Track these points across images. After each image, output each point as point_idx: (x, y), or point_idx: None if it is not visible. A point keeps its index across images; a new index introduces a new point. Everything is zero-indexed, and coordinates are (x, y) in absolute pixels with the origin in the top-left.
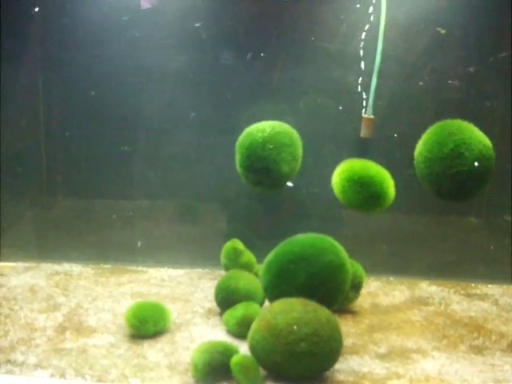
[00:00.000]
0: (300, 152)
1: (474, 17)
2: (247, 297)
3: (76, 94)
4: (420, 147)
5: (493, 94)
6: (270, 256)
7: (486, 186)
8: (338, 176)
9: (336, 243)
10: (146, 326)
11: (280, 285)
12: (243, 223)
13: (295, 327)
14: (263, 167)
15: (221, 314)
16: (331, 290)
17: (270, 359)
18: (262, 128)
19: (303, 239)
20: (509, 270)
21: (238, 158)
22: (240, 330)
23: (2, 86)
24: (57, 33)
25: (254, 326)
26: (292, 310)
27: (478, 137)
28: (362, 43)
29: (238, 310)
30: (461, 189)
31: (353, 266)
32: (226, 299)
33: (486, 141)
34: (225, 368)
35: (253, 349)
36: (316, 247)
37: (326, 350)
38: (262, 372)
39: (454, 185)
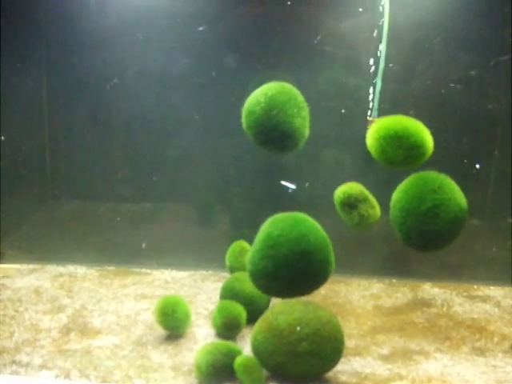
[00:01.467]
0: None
1: (476, 20)
2: (252, 299)
3: (80, 97)
4: (400, 193)
5: (495, 97)
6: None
7: (451, 243)
8: (373, 137)
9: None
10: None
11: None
12: (247, 225)
13: (298, 328)
14: (275, 136)
15: None
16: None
17: (272, 359)
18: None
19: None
20: (511, 272)
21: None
22: (225, 334)
23: (6, 89)
24: (61, 36)
25: (256, 327)
26: (293, 311)
27: (456, 199)
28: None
29: (219, 316)
30: (428, 244)
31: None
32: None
33: (463, 204)
34: (228, 369)
35: (255, 349)
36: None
37: (328, 350)
38: (265, 373)
39: (422, 239)
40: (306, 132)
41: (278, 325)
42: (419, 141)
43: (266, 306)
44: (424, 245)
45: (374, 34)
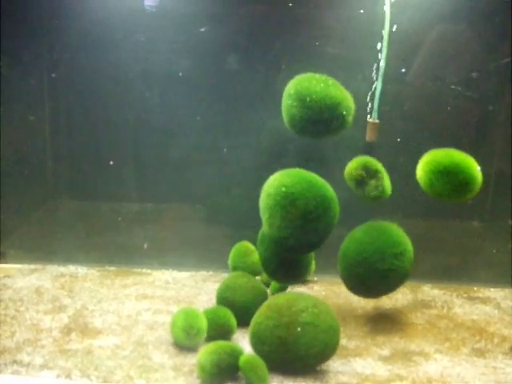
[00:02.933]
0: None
1: (477, 22)
2: (244, 309)
3: (82, 97)
4: (363, 238)
5: (495, 99)
6: None
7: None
8: (423, 169)
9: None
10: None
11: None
12: (248, 226)
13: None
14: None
15: None
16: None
17: (274, 335)
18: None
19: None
20: (511, 273)
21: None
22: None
23: (7, 88)
24: (63, 36)
25: (256, 315)
26: (289, 292)
27: (407, 266)
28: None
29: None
30: (366, 293)
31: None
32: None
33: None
34: (232, 369)
35: (256, 330)
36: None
37: (327, 324)
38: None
39: (364, 290)
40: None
41: (276, 303)
42: (468, 178)
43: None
44: (361, 292)
45: (378, 47)
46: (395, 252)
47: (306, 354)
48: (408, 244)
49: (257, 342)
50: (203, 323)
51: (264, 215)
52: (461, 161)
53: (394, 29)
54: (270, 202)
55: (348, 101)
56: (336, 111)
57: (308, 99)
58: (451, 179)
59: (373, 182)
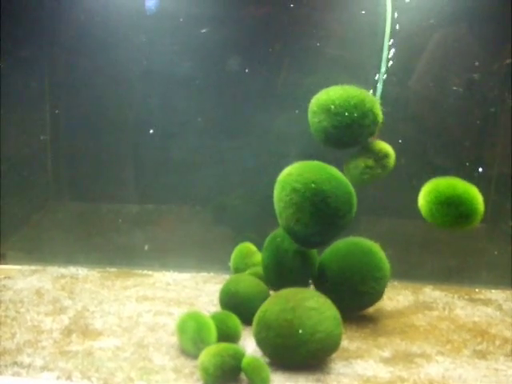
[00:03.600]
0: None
1: (479, 23)
2: (247, 300)
3: (83, 98)
4: (333, 258)
5: (497, 100)
6: None
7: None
8: (424, 198)
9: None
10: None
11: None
12: (249, 227)
13: (300, 331)
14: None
15: None
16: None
17: (280, 318)
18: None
19: None
20: None
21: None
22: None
23: (7, 90)
24: (64, 37)
25: (261, 307)
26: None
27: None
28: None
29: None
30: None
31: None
32: (227, 303)
33: None
34: (235, 371)
35: (262, 316)
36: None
37: (331, 313)
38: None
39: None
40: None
41: (282, 293)
42: (469, 210)
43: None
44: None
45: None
46: (376, 276)
47: (311, 338)
48: (388, 269)
49: (262, 328)
50: (213, 335)
51: (286, 210)
52: (463, 192)
53: (396, 28)
54: (297, 198)
55: (370, 96)
56: (364, 107)
57: (332, 107)
58: (452, 211)
59: (378, 164)
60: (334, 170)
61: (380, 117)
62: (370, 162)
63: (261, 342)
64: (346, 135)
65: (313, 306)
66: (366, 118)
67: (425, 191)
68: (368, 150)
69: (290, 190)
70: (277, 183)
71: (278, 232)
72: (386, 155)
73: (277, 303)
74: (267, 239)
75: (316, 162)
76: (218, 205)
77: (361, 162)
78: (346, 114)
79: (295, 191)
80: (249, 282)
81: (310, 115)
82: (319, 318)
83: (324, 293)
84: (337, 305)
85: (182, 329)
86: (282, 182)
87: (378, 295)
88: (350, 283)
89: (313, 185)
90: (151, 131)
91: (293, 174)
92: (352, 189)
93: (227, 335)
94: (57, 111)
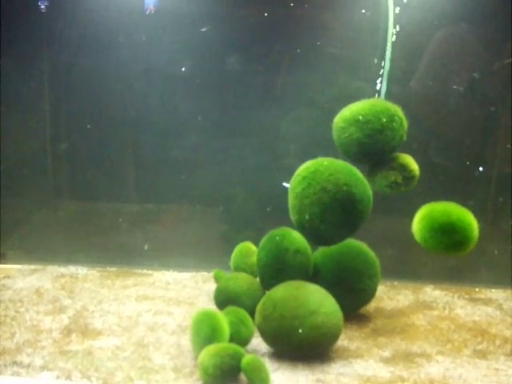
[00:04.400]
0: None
1: (480, 23)
2: (237, 297)
3: (82, 97)
4: (326, 260)
5: (497, 99)
6: None
7: None
8: (418, 223)
9: None
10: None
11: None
12: (249, 227)
13: (300, 330)
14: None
15: None
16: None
17: (286, 293)
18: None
19: None
20: None
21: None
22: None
23: (7, 89)
24: (64, 36)
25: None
26: None
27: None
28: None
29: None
30: None
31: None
32: (220, 301)
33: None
34: (234, 371)
35: (268, 296)
36: None
37: (332, 299)
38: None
39: None
40: None
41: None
42: (462, 238)
43: (253, 305)
44: None
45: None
46: (370, 273)
47: (317, 310)
48: (378, 267)
49: (267, 306)
50: (226, 336)
51: (311, 208)
52: (457, 220)
53: (397, 28)
54: (327, 199)
55: (390, 103)
56: (389, 112)
57: (360, 117)
58: (446, 239)
59: (399, 173)
60: (359, 173)
61: (405, 120)
62: (399, 179)
63: (266, 320)
64: (380, 142)
65: (316, 288)
66: (393, 122)
67: (419, 216)
68: (399, 166)
69: (319, 188)
70: (300, 178)
71: (277, 231)
72: (414, 177)
73: (282, 286)
74: (263, 239)
75: (342, 162)
76: (217, 203)
77: (391, 176)
78: (376, 120)
79: (325, 191)
80: (241, 280)
81: (336, 133)
82: (322, 296)
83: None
84: (341, 290)
85: (196, 329)
86: (308, 178)
87: (372, 292)
88: (345, 282)
89: (344, 187)
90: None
91: (322, 172)
92: (371, 193)
93: (239, 334)
94: (88, 126)
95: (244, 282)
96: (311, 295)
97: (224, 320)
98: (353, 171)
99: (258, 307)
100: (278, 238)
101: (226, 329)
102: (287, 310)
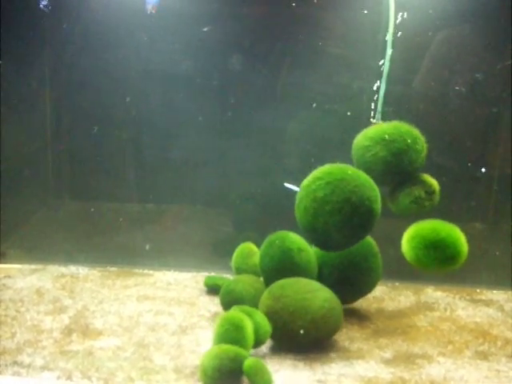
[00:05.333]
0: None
1: (482, 23)
2: (243, 299)
3: (83, 97)
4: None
5: (499, 100)
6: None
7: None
8: (408, 244)
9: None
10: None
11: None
12: (250, 227)
13: (301, 331)
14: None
15: None
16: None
17: (293, 279)
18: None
19: None
20: None
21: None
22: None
23: (8, 89)
24: (65, 36)
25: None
26: None
27: None
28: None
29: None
30: None
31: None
32: (227, 302)
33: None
34: (234, 374)
35: (275, 284)
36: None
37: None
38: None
39: None
40: None
41: None
42: (454, 252)
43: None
44: (345, 293)
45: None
46: (374, 251)
47: (322, 288)
48: (376, 245)
49: (276, 288)
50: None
51: (330, 216)
52: (448, 236)
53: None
54: (349, 210)
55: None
56: (412, 133)
57: (387, 136)
58: (438, 255)
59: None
60: (377, 188)
61: (425, 143)
62: (422, 194)
63: (278, 300)
64: (405, 162)
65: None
66: (417, 144)
67: (408, 237)
68: (419, 182)
69: (343, 198)
70: (323, 183)
71: (274, 236)
72: (435, 191)
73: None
74: (263, 246)
75: (365, 175)
76: (218, 204)
77: (414, 191)
78: (401, 140)
79: (349, 202)
80: (247, 282)
81: (358, 152)
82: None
83: (328, 278)
84: (345, 290)
85: (220, 335)
86: (333, 184)
87: (378, 271)
88: (353, 263)
89: (367, 202)
90: (127, 99)
91: (348, 181)
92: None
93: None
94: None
95: (250, 284)
96: (314, 282)
97: (250, 329)
98: (374, 186)
99: (265, 294)
100: (277, 241)
101: (250, 341)
102: (297, 288)
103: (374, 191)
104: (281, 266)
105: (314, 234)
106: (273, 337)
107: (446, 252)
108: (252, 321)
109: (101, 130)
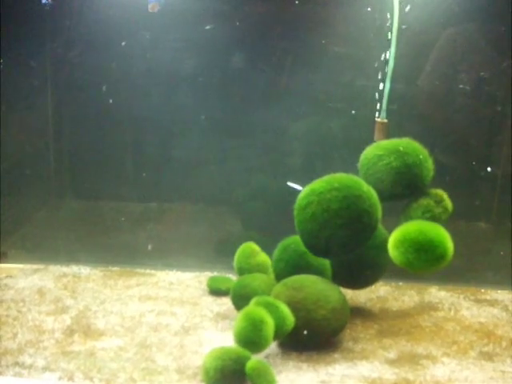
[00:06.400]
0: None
1: (487, 22)
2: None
3: (85, 96)
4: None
5: (504, 99)
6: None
7: None
8: (398, 249)
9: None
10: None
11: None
12: (253, 226)
13: (305, 332)
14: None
15: (231, 318)
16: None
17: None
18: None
19: None
20: None
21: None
22: None
23: (10, 87)
24: (67, 34)
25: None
26: None
27: None
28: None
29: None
30: None
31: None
32: (240, 298)
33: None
34: (237, 375)
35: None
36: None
37: None
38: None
39: None
40: None
41: None
42: (444, 250)
43: None
44: (350, 283)
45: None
46: (376, 243)
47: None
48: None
49: (294, 281)
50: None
51: (341, 229)
52: (435, 236)
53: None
54: (360, 228)
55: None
56: (423, 150)
57: (401, 148)
58: (429, 257)
59: (440, 205)
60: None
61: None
62: (431, 203)
63: (299, 291)
64: (417, 175)
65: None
66: (427, 162)
67: (396, 242)
68: (426, 194)
69: (356, 216)
70: (341, 196)
71: (287, 241)
72: (443, 199)
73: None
74: (277, 252)
75: (375, 194)
76: (221, 203)
77: (423, 202)
78: (415, 154)
79: (361, 222)
80: (260, 279)
81: (370, 161)
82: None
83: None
84: (351, 280)
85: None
86: (349, 200)
87: (382, 262)
88: (357, 255)
89: (374, 223)
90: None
91: (364, 199)
92: None
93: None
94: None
95: (263, 281)
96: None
97: (270, 327)
98: (380, 206)
99: (279, 287)
100: (292, 245)
101: (269, 340)
102: (314, 279)
103: (379, 211)
104: (297, 270)
105: (315, 241)
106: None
107: (436, 252)
108: (277, 311)
109: (103, 128)
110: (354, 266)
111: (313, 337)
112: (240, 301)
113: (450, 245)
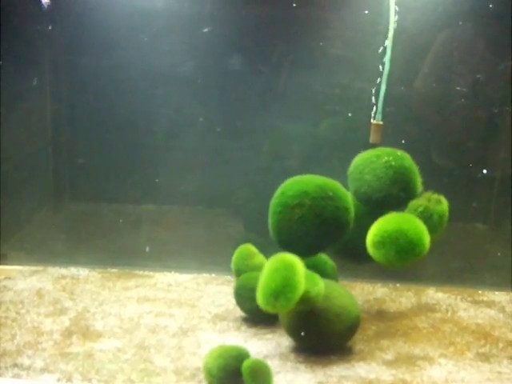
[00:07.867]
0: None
1: (484, 23)
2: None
3: (84, 98)
4: None
5: (501, 101)
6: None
7: None
8: (378, 251)
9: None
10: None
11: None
12: (251, 228)
13: (303, 333)
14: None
15: (229, 319)
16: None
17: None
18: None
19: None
20: None
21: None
22: None
23: (9, 90)
24: (65, 36)
25: None
26: None
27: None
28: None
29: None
30: None
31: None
32: (244, 297)
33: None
34: (238, 372)
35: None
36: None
37: None
38: None
39: None
40: None
41: None
42: (422, 247)
43: None
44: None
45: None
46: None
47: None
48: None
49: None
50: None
51: (322, 237)
52: (414, 236)
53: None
54: (339, 234)
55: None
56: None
57: (399, 153)
58: (409, 256)
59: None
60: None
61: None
62: (425, 202)
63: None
64: (412, 182)
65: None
66: (419, 177)
67: (374, 242)
68: (419, 198)
69: (341, 226)
70: (334, 206)
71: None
72: (436, 197)
73: None
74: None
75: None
76: (219, 205)
77: (417, 203)
78: (411, 163)
79: (343, 233)
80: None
81: (367, 161)
82: None
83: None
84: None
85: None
86: (340, 210)
87: None
88: (358, 249)
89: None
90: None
91: (349, 212)
92: None
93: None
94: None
95: None
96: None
97: (301, 274)
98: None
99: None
100: None
101: (301, 285)
102: (336, 287)
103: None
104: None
105: (292, 241)
106: (315, 337)
107: (415, 250)
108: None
109: (102, 130)
110: (358, 242)
111: (321, 344)
112: (244, 292)
113: (427, 239)
